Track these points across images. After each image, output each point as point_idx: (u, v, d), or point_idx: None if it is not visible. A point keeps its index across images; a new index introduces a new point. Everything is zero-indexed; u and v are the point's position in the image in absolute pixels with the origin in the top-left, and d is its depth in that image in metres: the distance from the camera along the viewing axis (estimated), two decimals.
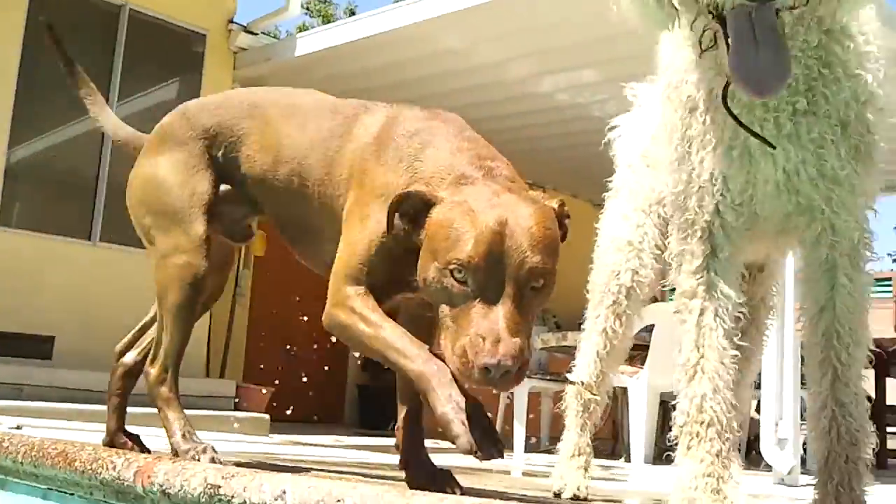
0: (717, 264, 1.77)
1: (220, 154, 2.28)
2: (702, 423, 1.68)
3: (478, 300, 1.65)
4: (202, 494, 1.39)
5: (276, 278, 7.67)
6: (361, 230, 1.93)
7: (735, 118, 1.66)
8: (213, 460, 2.01)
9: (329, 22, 21.53)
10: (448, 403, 1.66)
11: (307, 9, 13.45)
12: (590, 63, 6.31)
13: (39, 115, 6.08)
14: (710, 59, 1.70)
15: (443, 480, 1.95)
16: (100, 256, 6.12)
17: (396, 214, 1.79)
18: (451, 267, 1.67)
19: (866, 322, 1.78)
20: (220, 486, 1.38)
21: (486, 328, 1.62)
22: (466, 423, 1.64)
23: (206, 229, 2.24)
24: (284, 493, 1.31)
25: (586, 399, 2.17)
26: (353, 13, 22.50)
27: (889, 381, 7.15)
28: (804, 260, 1.80)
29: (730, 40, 1.53)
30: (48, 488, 1.77)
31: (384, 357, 1.83)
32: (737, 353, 1.73)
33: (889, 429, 7.36)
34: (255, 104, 2.27)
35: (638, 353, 4.76)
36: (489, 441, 1.65)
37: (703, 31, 1.61)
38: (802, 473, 4.36)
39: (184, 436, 2.17)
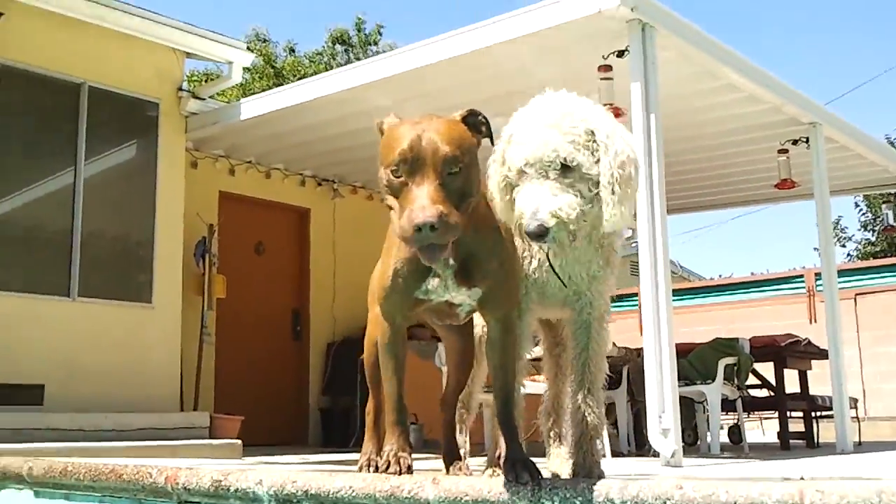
0: (521, 322, 2.76)
1: None
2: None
3: (411, 185, 2.24)
4: (210, 486, 2.23)
5: (236, 317, 8.48)
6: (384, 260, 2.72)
7: (551, 266, 2.70)
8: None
9: (270, 59, 22.31)
10: (388, 445, 2.60)
11: (249, 48, 14.28)
12: (499, 112, 7.22)
13: (7, 174, 6.65)
14: None
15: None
16: (80, 311, 6.78)
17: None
18: (391, 168, 2.28)
19: (605, 358, 2.80)
20: (221, 480, 2.22)
21: (415, 201, 2.19)
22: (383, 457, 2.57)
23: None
24: (261, 480, 2.16)
25: (460, 411, 3.11)
26: (293, 51, 23.34)
27: (786, 372, 8.12)
28: (573, 320, 2.80)
29: None
30: (103, 496, 2.59)
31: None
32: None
33: (792, 413, 8.35)
34: None
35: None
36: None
37: None
38: (684, 457, 5.28)
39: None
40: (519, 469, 2.34)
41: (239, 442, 6.38)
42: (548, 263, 2.71)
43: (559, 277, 2.71)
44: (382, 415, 3.06)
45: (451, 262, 2.49)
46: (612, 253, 2.78)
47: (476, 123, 2.48)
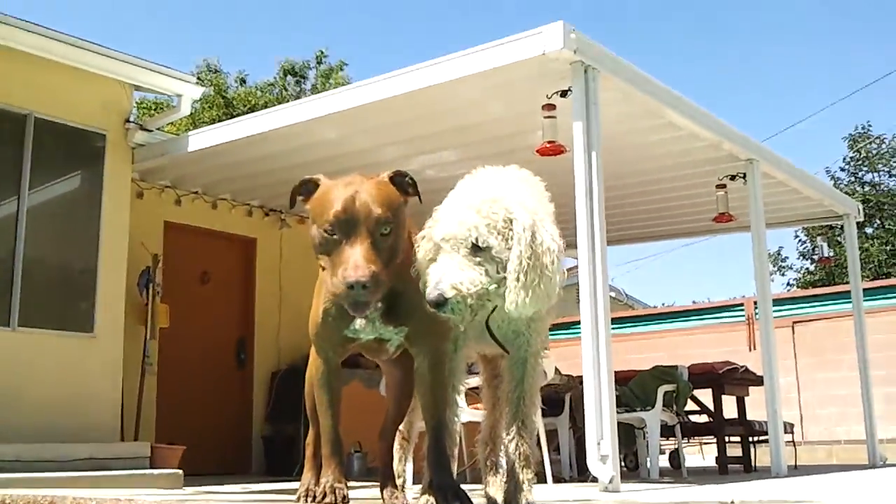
0: (456, 356, 2.92)
1: None
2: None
3: (344, 244, 2.42)
4: None
5: (179, 346, 8.44)
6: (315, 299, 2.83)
7: (490, 332, 2.86)
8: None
9: (221, 89, 22.28)
10: (324, 477, 2.72)
11: (199, 78, 14.39)
12: (449, 146, 7.38)
13: None
14: None
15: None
16: (20, 340, 6.71)
17: (298, 196, 2.67)
18: (325, 227, 2.45)
19: (539, 391, 2.97)
20: None
21: (349, 260, 2.37)
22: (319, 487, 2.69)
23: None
24: None
25: (401, 441, 3.21)
26: (244, 81, 23.35)
27: (724, 398, 8.31)
28: (510, 356, 2.95)
29: None
30: None
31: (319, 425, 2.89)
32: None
33: (730, 439, 8.54)
34: None
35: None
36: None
37: None
38: (625, 482, 5.40)
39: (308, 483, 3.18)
40: (450, 497, 2.43)
41: (180, 472, 6.35)
42: (487, 329, 2.86)
43: (499, 343, 2.89)
44: None
45: (378, 304, 2.60)
46: (553, 307, 2.89)
47: (402, 183, 2.65)
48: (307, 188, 2.67)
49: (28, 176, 6.98)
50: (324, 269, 2.49)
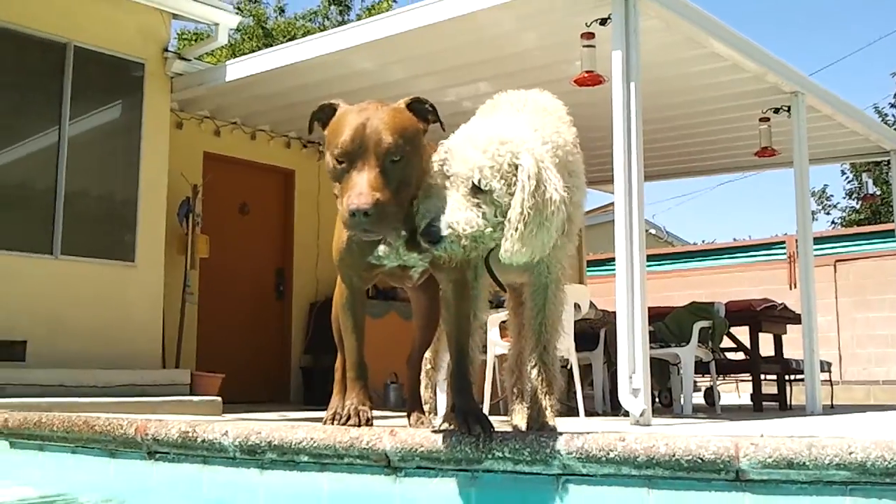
0: (477, 284, 2.89)
1: None
2: None
3: (352, 172, 2.38)
4: (178, 437, 2.32)
5: (219, 276, 8.56)
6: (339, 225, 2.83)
7: (489, 268, 2.81)
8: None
9: (260, 20, 22.16)
10: (348, 400, 2.73)
11: (239, 9, 14.40)
12: (485, 77, 7.29)
13: None
14: None
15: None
16: (63, 269, 6.83)
17: (316, 122, 2.65)
18: (335, 154, 2.43)
19: (561, 318, 2.92)
20: (188, 432, 2.31)
21: (354, 187, 2.33)
22: (348, 413, 2.69)
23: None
24: (227, 432, 2.25)
25: (428, 369, 3.21)
26: (282, 11, 23.18)
27: (761, 336, 8.26)
28: (531, 282, 2.93)
29: None
30: (76, 447, 2.69)
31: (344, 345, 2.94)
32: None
33: (766, 376, 8.50)
34: None
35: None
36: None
37: None
38: (658, 417, 5.41)
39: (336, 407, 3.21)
40: (471, 421, 2.45)
41: (219, 399, 6.48)
42: (487, 267, 2.83)
43: (498, 283, 2.89)
44: None
45: (403, 232, 2.59)
46: (571, 223, 2.88)
47: (422, 110, 2.59)
48: (325, 114, 2.64)
49: (69, 105, 7.04)
50: (337, 196, 2.47)
